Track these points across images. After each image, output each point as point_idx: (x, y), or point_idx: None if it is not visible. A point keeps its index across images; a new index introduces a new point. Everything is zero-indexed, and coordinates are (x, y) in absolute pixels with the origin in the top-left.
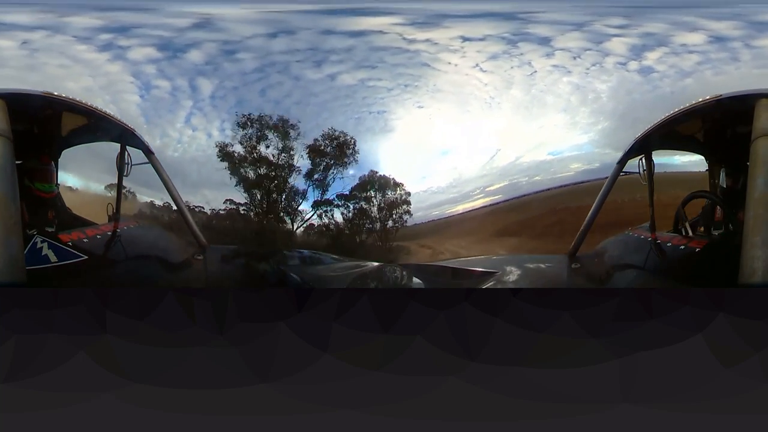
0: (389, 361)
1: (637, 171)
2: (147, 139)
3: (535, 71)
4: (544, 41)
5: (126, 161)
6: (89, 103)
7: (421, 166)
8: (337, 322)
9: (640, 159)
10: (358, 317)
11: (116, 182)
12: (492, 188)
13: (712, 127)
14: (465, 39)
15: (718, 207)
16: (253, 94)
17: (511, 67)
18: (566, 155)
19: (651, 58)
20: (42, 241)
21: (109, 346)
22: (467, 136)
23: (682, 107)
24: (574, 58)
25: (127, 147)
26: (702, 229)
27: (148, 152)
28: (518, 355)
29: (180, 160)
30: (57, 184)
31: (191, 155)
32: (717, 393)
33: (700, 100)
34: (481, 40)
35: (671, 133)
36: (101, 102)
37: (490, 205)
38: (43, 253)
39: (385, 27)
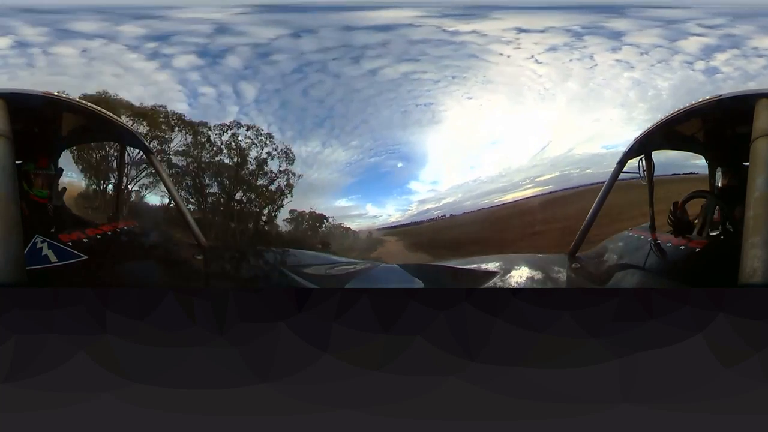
0: (389, 361)
1: (637, 171)
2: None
3: (596, 65)
4: (616, 35)
5: (126, 161)
6: (89, 104)
7: (470, 156)
8: (337, 322)
9: (640, 159)
10: (358, 317)
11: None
12: (542, 179)
13: (712, 127)
14: (521, 30)
15: (717, 207)
16: (296, 95)
17: (570, 60)
18: (620, 150)
19: (719, 59)
20: (42, 241)
21: (109, 346)
22: (518, 127)
23: (682, 107)
24: (641, 54)
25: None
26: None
27: (147, 152)
28: (518, 355)
29: None
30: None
31: None
32: (717, 393)
33: (701, 100)
34: (540, 32)
35: (671, 132)
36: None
37: (540, 195)
38: (43, 253)
39: (412, 20)
